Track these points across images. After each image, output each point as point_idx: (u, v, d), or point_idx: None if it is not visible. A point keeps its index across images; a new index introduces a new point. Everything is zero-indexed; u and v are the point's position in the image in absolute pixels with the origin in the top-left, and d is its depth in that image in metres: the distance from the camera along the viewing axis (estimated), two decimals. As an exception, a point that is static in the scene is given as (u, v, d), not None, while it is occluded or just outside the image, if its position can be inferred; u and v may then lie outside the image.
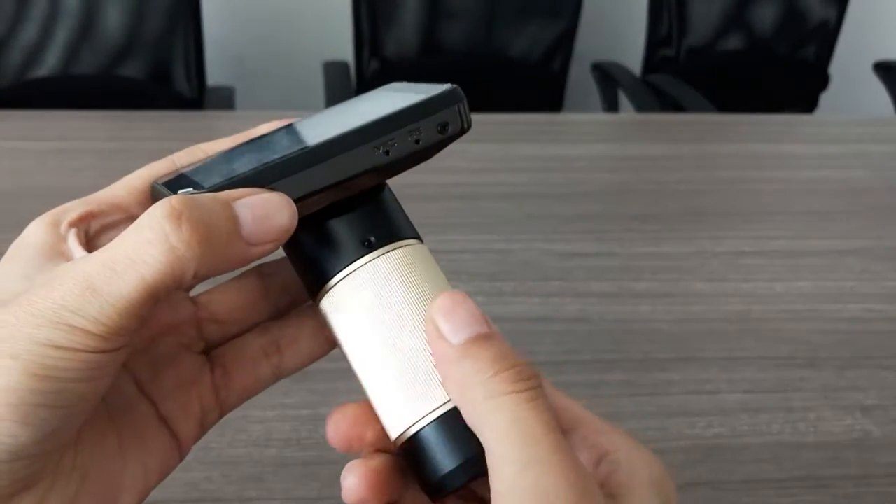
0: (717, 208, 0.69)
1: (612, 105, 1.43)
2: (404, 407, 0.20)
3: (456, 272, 0.56)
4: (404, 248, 0.22)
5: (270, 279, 0.25)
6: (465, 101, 0.22)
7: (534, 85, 1.43)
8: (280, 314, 0.25)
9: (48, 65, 1.17)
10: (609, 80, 1.42)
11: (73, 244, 0.20)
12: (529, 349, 0.48)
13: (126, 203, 0.22)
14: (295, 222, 0.20)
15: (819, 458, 0.42)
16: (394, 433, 0.21)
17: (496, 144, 0.79)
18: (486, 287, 0.54)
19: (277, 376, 0.24)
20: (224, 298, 0.24)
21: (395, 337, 0.20)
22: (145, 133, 0.77)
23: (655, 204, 0.68)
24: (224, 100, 1.25)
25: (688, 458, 0.41)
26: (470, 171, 0.73)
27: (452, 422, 0.20)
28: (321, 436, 0.42)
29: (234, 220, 0.19)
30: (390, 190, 0.23)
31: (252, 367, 0.24)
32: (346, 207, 0.22)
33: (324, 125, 0.21)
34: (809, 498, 0.40)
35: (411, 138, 0.21)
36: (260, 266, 0.25)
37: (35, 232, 0.20)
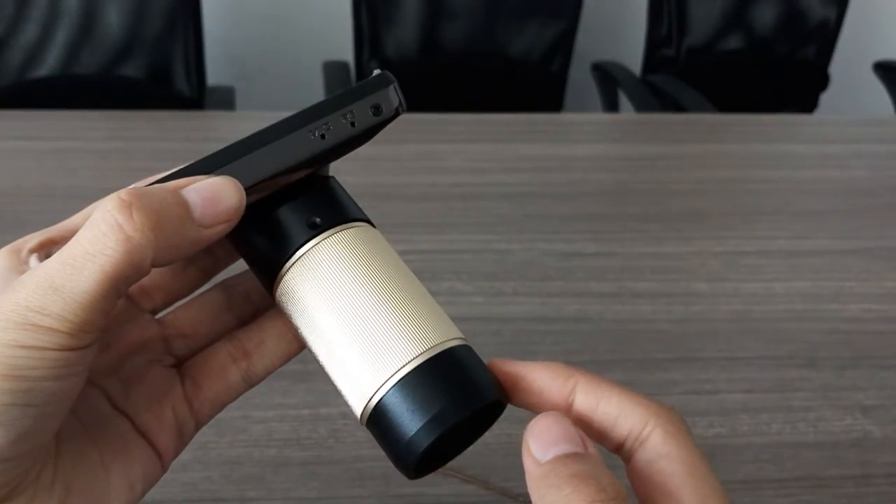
0: (717, 208, 0.69)
1: (612, 105, 1.43)
2: (362, 380, 0.20)
3: (456, 272, 0.56)
4: (352, 229, 0.22)
5: (232, 290, 0.25)
6: (397, 84, 0.22)
7: (534, 85, 1.43)
8: (246, 323, 0.25)
9: (48, 65, 1.17)
10: (609, 79, 1.42)
11: (35, 265, 0.21)
12: (529, 349, 0.48)
13: None
14: (244, 202, 0.20)
15: (819, 458, 0.42)
16: (358, 410, 0.21)
17: (496, 144, 0.79)
18: (486, 287, 0.54)
19: (248, 382, 0.24)
20: (188, 314, 0.24)
21: (347, 314, 0.20)
22: (145, 133, 0.77)
23: (655, 204, 0.68)
24: (224, 100, 1.25)
25: (688, 458, 0.41)
26: (470, 171, 0.73)
27: (415, 384, 0.20)
28: (321, 436, 0.42)
29: (184, 205, 0.19)
30: (336, 179, 0.23)
31: (221, 375, 0.24)
32: (291, 195, 0.22)
33: (267, 125, 0.22)
34: (809, 498, 0.40)
35: (346, 121, 0.21)
36: (222, 281, 0.25)
37: None
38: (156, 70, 1.21)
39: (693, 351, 0.49)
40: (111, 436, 0.22)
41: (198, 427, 0.24)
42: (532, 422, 0.19)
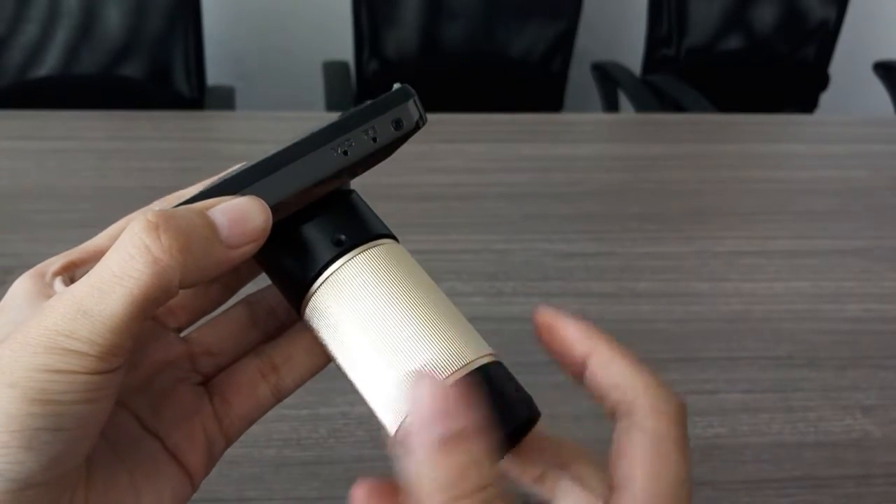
0: (717, 208, 0.69)
1: (611, 105, 1.43)
2: (398, 399, 0.20)
3: (456, 272, 0.56)
4: (378, 246, 0.22)
5: (256, 306, 0.25)
6: (417, 97, 0.22)
7: (534, 85, 1.43)
8: (271, 338, 0.25)
9: (48, 64, 1.17)
10: (609, 79, 1.42)
11: (60, 288, 0.21)
12: (530, 350, 0.48)
13: (108, 249, 0.22)
14: (270, 222, 0.20)
15: (819, 458, 0.42)
16: (392, 428, 0.21)
17: (496, 144, 0.79)
18: (485, 287, 0.54)
19: (278, 396, 0.24)
20: (213, 332, 0.24)
21: (379, 334, 0.20)
22: (145, 133, 0.77)
23: (655, 204, 0.68)
24: (224, 99, 1.25)
25: (688, 458, 0.41)
26: (470, 171, 0.73)
27: None
28: (321, 436, 0.42)
29: (211, 226, 0.19)
30: (358, 194, 0.23)
31: (250, 391, 0.24)
32: (314, 213, 0.22)
33: (288, 142, 0.22)
34: (809, 498, 0.40)
35: (367, 137, 0.21)
36: (245, 297, 0.25)
37: (20, 285, 0.21)
38: (156, 70, 1.21)
39: (693, 351, 0.49)
40: (141, 457, 0.21)
41: (227, 444, 0.24)
42: (416, 386, 0.18)
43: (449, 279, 0.55)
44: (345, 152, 0.21)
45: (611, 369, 0.21)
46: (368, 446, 0.41)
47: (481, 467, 0.17)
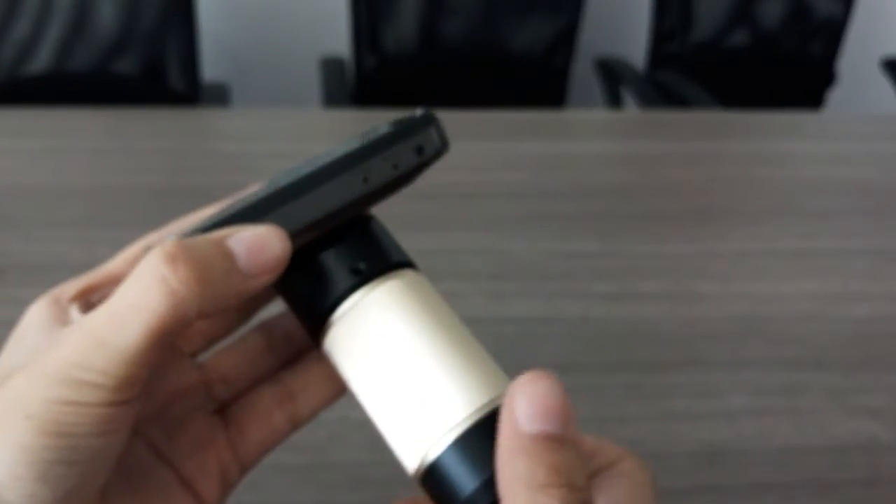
0: (722, 207, 0.68)
1: (615, 101, 1.43)
2: (417, 436, 0.20)
3: (456, 272, 0.55)
4: (398, 276, 0.21)
5: (273, 332, 0.25)
6: (440, 123, 0.22)
7: (536, 81, 1.43)
8: (288, 363, 0.25)
9: (41, 61, 1.16)
10: (612, 75, 1.42)
11: (76, 315, 0.21)
12: (532, 351, 0.48)
13: (124, 273, 0.22)
14: (288, 251, 0.20)
15: (826, 462, 0.41)
16: (412, 466, 0.20)
17: (497, 142, 0.78)
18: (487, 287, 0.53)
19: (293, 425, 0.24)
20: (229, 358, 0.24)
21: (400, 370, 0.20)
22: (139, 130, 0.77)
23: (659, 202, 0.68)
24: (219, 96, 1.24)
25: (692, 463, 0.41)
26: (471, 169, 0.72)
27: (472, 441, 0.19)
28: (318, 440, 0.41)
29: (228, 255, 0.19)
30: (377, 220, 0.23)
31: (265, 419, 0.23)
32: (333, 240, 0.21)
33: (306, 166, 0.21)
34: (816, 502, 0.39)
35: (388, 164, 0.21)
36: (262, 322, 0.25)
37: (36, 311, 0.21)
38: (149, 66, 1.20)
39: (698, 353, 0.49)
40: (155, 487, 0.21)
41: (243, 472, 0.23)
42: (527, 377, 0.18)
43: (449, 279, 0.54)
44: (365, 179, 0.21)
45: (587, 441, 0.21)
46: (366, 450, 0.40)
47: (585, 469, 0.18)
